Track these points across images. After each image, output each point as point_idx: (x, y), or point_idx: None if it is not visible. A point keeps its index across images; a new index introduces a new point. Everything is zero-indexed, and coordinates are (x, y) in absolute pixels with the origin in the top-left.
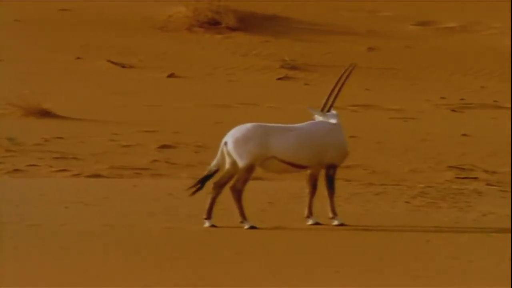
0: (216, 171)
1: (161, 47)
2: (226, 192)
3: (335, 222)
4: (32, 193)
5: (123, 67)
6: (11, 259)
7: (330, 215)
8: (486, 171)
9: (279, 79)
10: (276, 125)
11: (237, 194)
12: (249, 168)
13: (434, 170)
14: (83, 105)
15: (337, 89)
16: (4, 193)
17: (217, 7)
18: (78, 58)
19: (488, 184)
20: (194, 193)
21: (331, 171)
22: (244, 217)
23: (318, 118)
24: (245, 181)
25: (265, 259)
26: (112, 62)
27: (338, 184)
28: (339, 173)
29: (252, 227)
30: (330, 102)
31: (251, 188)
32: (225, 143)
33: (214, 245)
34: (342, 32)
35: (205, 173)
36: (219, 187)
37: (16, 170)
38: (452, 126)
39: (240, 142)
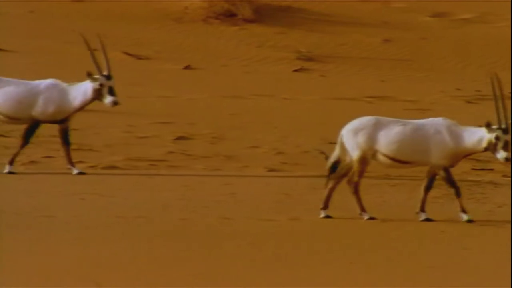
0: (336, 163)
1: (177, 39)
2: (231, 183)
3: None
4: (48, 184)
5: (139, 58)
6: (26, 249)
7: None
8: (502, 163)
9: (294, 70)
10: (390, 119)
11: (354, 186)
12: (361, 160)
13: None
14: None
15: (498, 102)
16: (20, 184)
17: None
18: (94, 50)
19: (504, 176)
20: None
21: (435, 170)
22: (362, 209)
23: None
24: (360, 173)
25: (280, 250)
26: (128, 54)
27: None
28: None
29: (371, 218)
30: (500, 117)
31: (267, 180)
32: (342, 135)
33: (228, 236)
34: (357, 24)
35: (327, 166)
36: (336, 178)
37: (32, 162)
38: (467, 118)
39: (350, 134)
